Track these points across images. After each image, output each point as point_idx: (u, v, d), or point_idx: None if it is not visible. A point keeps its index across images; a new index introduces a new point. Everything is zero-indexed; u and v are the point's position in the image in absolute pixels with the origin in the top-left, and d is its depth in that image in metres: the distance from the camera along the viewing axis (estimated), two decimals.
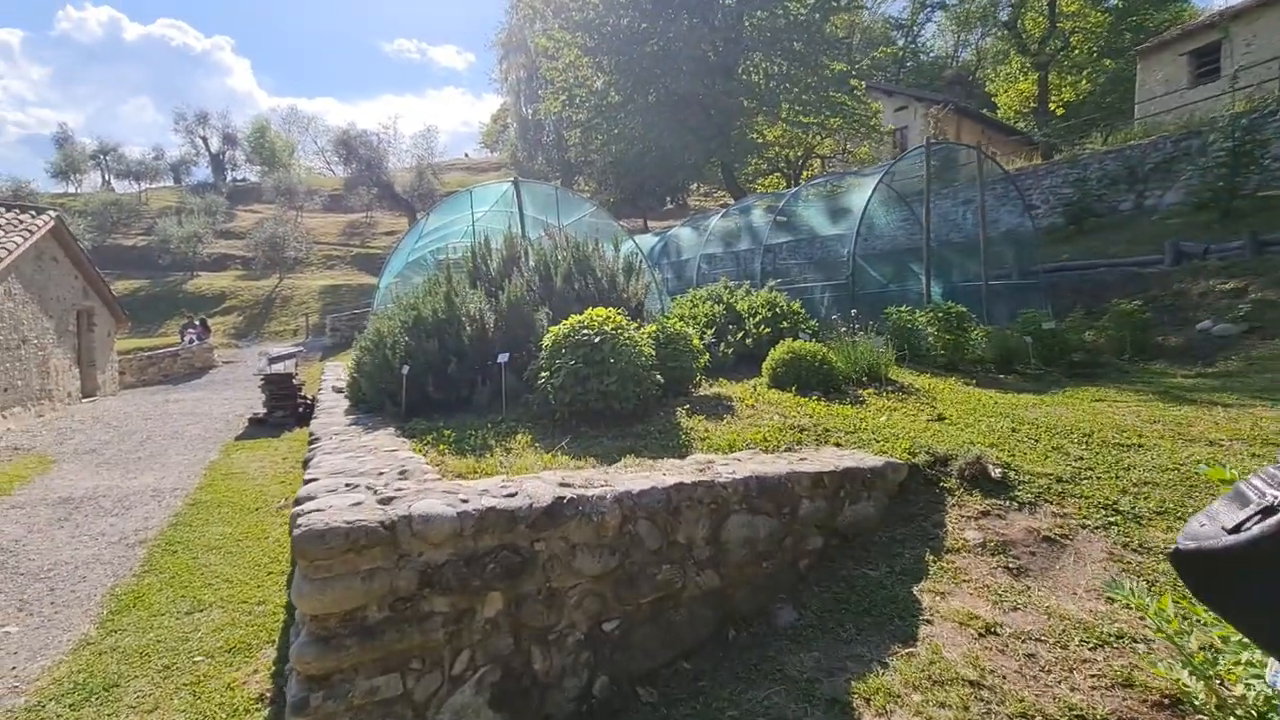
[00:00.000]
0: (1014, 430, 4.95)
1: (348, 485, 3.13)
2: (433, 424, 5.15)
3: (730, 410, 5.36)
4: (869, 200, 8.57)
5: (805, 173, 35.01)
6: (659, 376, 5.32)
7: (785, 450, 4.32)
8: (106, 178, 51.81)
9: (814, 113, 24.74)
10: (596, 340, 4.95)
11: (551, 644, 2.97)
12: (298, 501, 3.05)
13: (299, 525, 2.53)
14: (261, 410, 12.52)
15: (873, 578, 3.47)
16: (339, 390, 7.96)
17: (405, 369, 5.42)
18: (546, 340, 5.28)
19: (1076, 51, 26.97)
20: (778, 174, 34.19)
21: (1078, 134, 22.35)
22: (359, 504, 2.81)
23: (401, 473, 3.38)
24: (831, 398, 5.79)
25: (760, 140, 27.62)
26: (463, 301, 5.78)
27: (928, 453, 4.32)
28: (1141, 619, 2.70)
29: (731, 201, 28.54)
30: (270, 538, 6.90)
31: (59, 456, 10.15)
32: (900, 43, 47.10)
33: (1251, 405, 5.46)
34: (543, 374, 5.10)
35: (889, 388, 6.23)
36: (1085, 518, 3.66)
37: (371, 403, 5.92)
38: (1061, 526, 3.60)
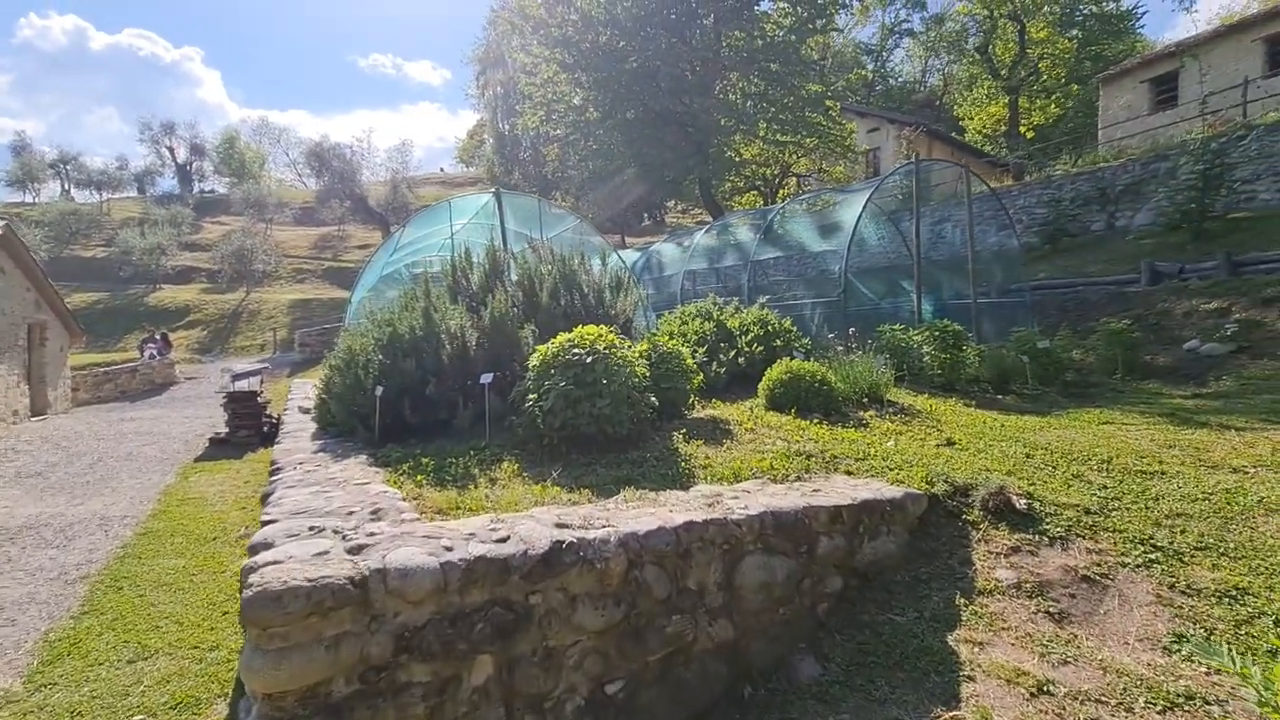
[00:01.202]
0: (1028, 456, 4.71)
1: (311, 529, 2.72)
2: (409, 450, 4.73)
3: (729, 434, 5.04)
4: (860, 216, 8.43)
5: (782, 191, 35.33)
6: (653, 398, 4.99)
7: (795, 480, 4.01)
8: (66, 187, 50.01)
9: (791, 132, 25.01)
10: (588, 360, 4.61)
11: (548, 712, 2.58)
12: (251, 550, 2.63)
13: (250, 585, 2.12)
14: (224, 430, 11.84)
15: (900, 624, 3.15)
16: (306, 411, 7.45)
17: (379, 390, 5.00)
18: (534, 360, 4.91)
19: (1046, 77, 27.73)
20: (755, 191, 34.40)
21: (1048, 156, 22.84)
22: (324, 554, 2.41)
23: (374, 512, 2.98)
24: (833, 420, 5.52)
25: (738, 158, 27.77)
26: (442, 318, 5.38)
27: (946, 482, 4.05)
28: (1208, 674, 2.42)
29: (709, 219, 28.58)
30: (228, 571, 6.33)
31: None
32: (870, 67, 48.25)
33: (1263, 429, 5.33)
34: (530, 396, 4.73)
35: (890, 409, 5.98)
36: (1123, 555, 3.41)
37: (342, 426, 5.47)
38: (1099, 565, 3.34)
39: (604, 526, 2.90)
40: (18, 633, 5.16)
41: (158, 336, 23.93)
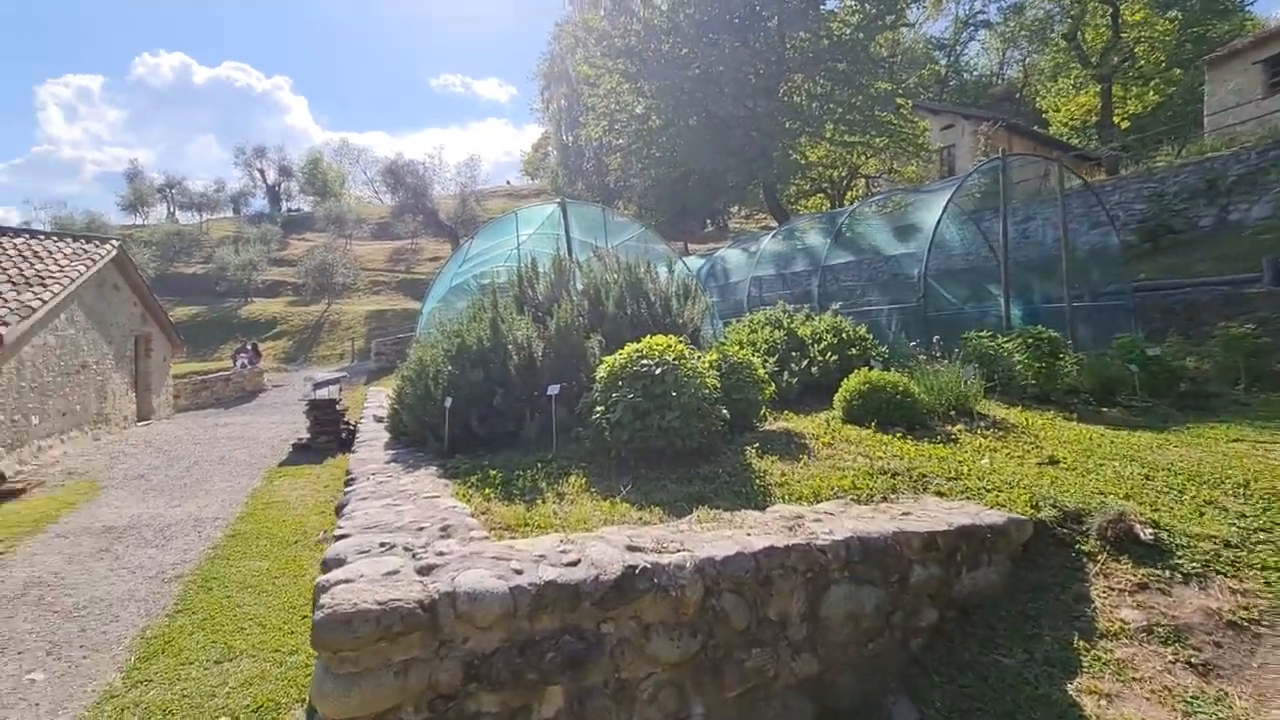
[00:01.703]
0: (1148, 478, 4.21)
1: (382, 545, 2.68)
2: (477, 462, 4.71)
3: (805, 449, 4.77)
4: (941, 217, 7.93)
5: (850, 193, 34.33)
6: (724, 410, 4.78)
7: (881, 501, 3.72)
8: (171, 210, 54.56)
9: (859, 132, 24.22)
10: (657, 371, 4.46)
11: None
12: (325, 566, 2.62)
13: (321, 606, 2.07)
14: (305, 436, 12.41)
15: (1009, 667, 2.82)
16: (380, 420, 7.65)
17: (448, 402, 5.02)
18: (601, 371, 4.81)
19: (1142, 62, 25.65)
20: (821, 194, 33.50)
21: (1147, 147, 21.10)
22: (394, 574, 2.35)
23: (444, 528, 2.92)
24: (917, 434, 5.14)
25: (803, 161, 27.12)
26: (509, 328, 5.37)
27: (1054, 506, 3.65)
28: None
29: (774, 223, 27.97)
30: (306, 575, 6.54)
31: (109, 482, 10.14)
32: (943, 62, 46.25)
33: None
34: (597, 408, 4.62)
35: (981, 423, 5.53)
36: (1278, 597, 2.94)
37: (413, 436, 5.54)
38: (1247, 608, 2.90)
39: (678, 550, 2.73)
40: (120, 628, 5.47)
41: (249, 347, 25.55)
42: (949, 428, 5.36)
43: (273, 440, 13.38)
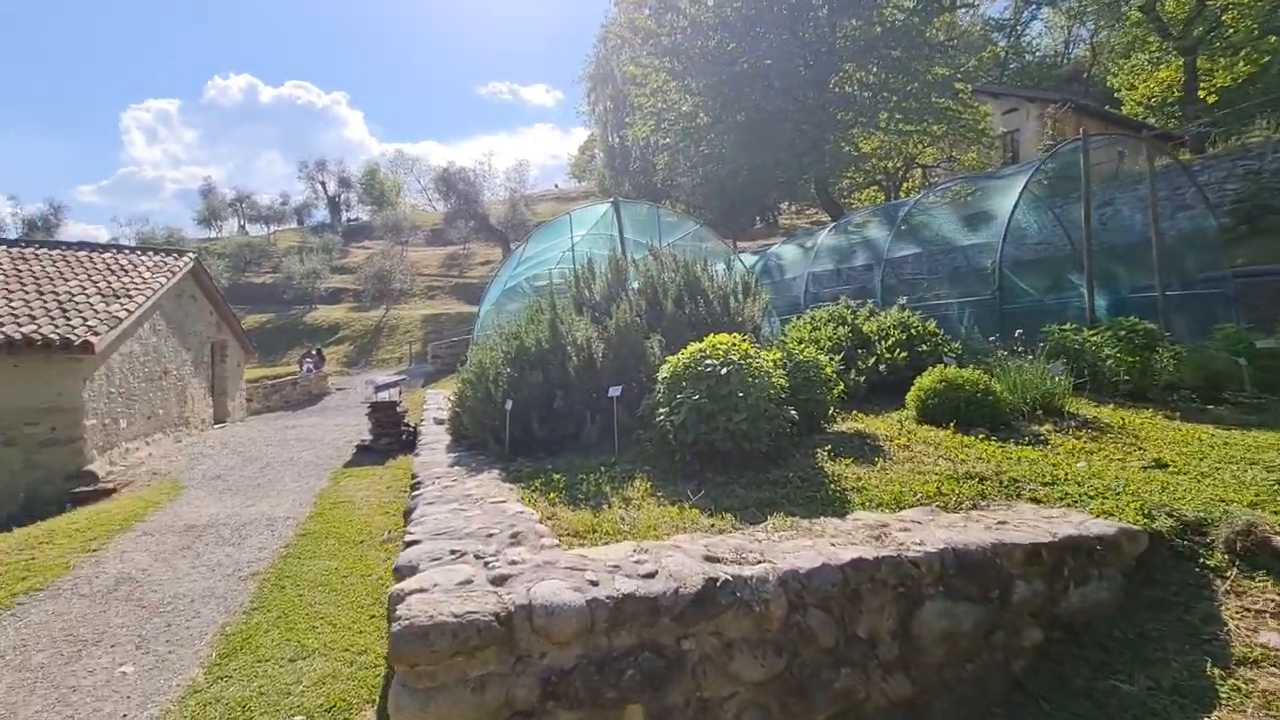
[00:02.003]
0: (1279, 484, 3.78)
1: (453, 553, 2.62)
2: (539, 465, 4.66)
3: (879, 451, 4.52)
4: (1016, 204, 7.44)
5: (905, 184, 33.16)
6: (792, 411, 4.58)
7: (970, 508, 3.45)
8: (242, 222, 57.62)
9: (916, 120, 23.34)
10: (722, 371, 4.29)
11: None
12: (397, 573, 2.58)
13: (398, 619, 2.01)
14: (368, 437, 12.77)
15: (1130, 695, 2.54)
16: (440, 423, 7.75)
17: (509, 404, 5.00)
18: (663, 371, 4.68)
19: (1231, 31, 23.66)
20: (875, 186, 32.47)
21: (1239, 122, 19.46)
22: (467, 583, 2.28)
23: (514, 535, 2.85)
24: (1001, 436, 4.80)
25: (856, 153, 26.34)
26: (569, 329, 5.31)
27: (1170, 515, 3.30)
28: None
29: (825, 219, 27.24)
30: (373, 574, 6.66)
31: (189, 482, 10.65)
32: (1002, 44, 44.09)
33: None
34: (661, 410, 4.49)
35: (1070, 422, 5.13)
36: None
37: (474, 439, 5.55)
38: None
39: (759, 561, 2.57)
40: (201, 624, 5.68)
41: (314, 352, 26.63)
42: (1036, 428, 4.99)
43: (337, 441, 13.82)
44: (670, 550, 2.64)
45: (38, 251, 13.34)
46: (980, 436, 4.73)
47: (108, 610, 5.89)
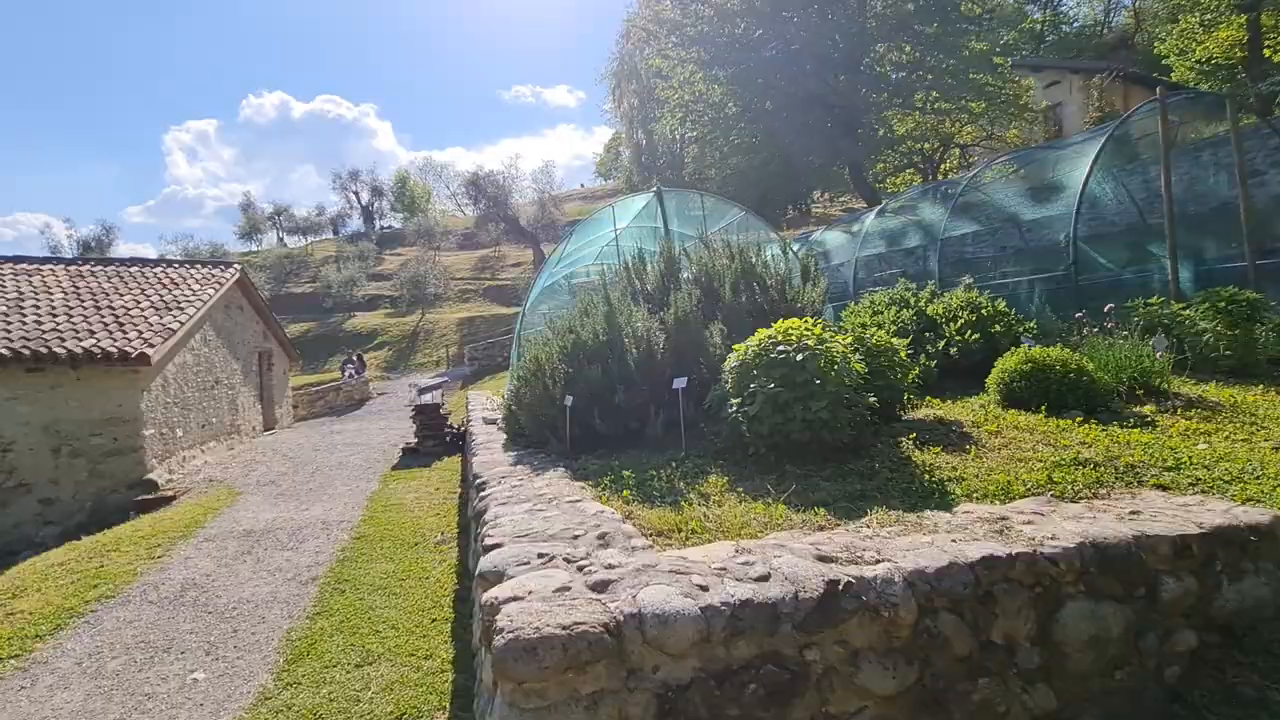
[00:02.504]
0: None
1: (541, 556, 2.44)
2: (605, 462, 4.47)
3: (968, 438, 4.21)
4: (1090, 172, 6.96)
5: (944, 165, 32.18)
6: (873, 398, 4.29)
7: (1091, 498, 3.13)
8: (280, 235, 59.08)
9: (954, 98, 22.58)
10: (798, 358, 4.03)
11: None
12: (483, 578, 2.40)
13: (501, 630, 1.83)
14: (413, 440, 12.83)
15: None
16: (490, 422, 7.64)
17: (569, 400, 4.82)
18: (730, 360, 4.44)
19: None
20: (912, 170, 31.53)
21: None
22: (565, 590, 2.09)
23: (600, 537, 2.65)
24: (1100, 418, 4.43)
25: (891, 135, 25.61)
26: (627, 320, 5.11)
27: None
28: None
29: (859, 206, 26.54)
30: (430, 577, 6.60)
31: (244, 488, 10.81)
32: (1037, 15, 42.38)
33: None
34: (731, 401, 4.26)
35: (1174, 402, 4.72)
36: None
37: (531, 437, 5.40)
38: None
39: (877, 560, 2.32)
40: (266, 630, 5.66)
41: (355, 358, 27.08)
42: (1137, 409, 4.60)
43: (383, 445, 13.94)
44: (775, 550, 2.41)
45: (94, 268, 13.75)
46: (1077, 420, 4.37)
47: (176, 616, 5.93)
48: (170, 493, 10.43)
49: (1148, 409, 4.60)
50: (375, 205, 59.94)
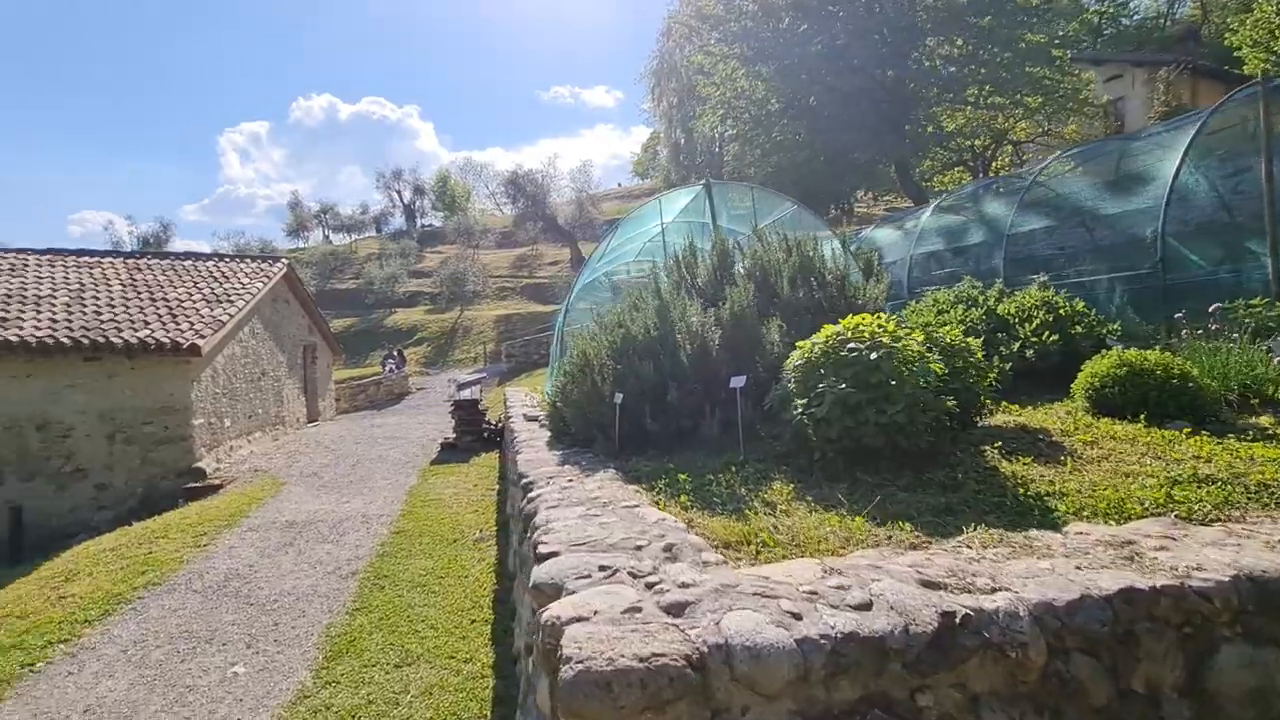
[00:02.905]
0: None
1: (603, 569, 2.19)
2: (658, 464, 4.21)
3: (1060, 448, 3.81)
4: (1182, 162, 6.40)
5: (995, 162, 30.99)
6: (952, 402, 3.93)
7: (1222, 521, 2.73)
8: (326, 233, 60.62)
9: (1008, 92, 21.67)
10: (871, 357, 3.70)
11: None
12: (539, 590, 2.16)
13: (568, 660, 1.58)
14: (452, 435, 12.81)
15: None
16: (532, 419, 7.47)
17: (619, 398, 4.58)
18: (794, 359, 4.13)
19: None
20: (961, 167, 30.43)
21: None
22: (635, 611, 1.83)
23: (667, 548, 2.39)
24: (1211, 429, 3.97)
25: (940, 132, 24.73)
26: (680, 315, 4.84)
27: None
28: None
29: (904, 205, 25.69)
30: (469, 575, 6.47)
31: (288, 479, 10.91)
32: (1094, 7, 40.53)
33: None
34: (796, 402, 3.95)
35: None
36: None
37: (577, 435, 5.18)
38: None
39: (992, 589, 2.00)
40: (306, 624, 5.58)
41: (395, 353, 27.47)
42: (1252, 420, 4.12)
43: (422, 439, 13.97)
44: (870, 572, 2.10)
45: (150, 262, 14.14)
46: (1184, 431, 3.92)
47: (219, 607, 5.90)
48: (217, 481, 10.59)
49: (1264, 420, 4.11)
50: (417, 204, 61.02)
